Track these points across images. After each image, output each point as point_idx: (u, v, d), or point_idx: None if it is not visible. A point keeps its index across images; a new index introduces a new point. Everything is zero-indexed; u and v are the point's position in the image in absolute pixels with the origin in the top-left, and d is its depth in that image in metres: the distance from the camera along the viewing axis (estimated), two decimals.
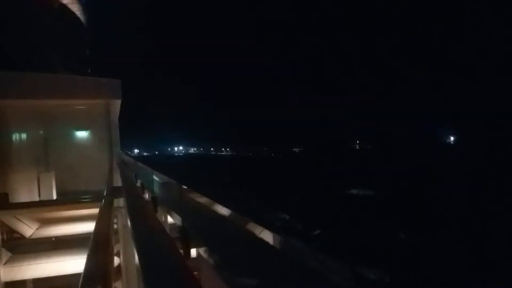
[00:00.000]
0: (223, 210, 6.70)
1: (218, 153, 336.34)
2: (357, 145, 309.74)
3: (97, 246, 4.34)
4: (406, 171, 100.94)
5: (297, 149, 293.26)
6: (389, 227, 43.88)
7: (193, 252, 4.45)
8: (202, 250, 4.38)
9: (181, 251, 4.03)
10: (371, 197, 67.45)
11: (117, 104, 20.15)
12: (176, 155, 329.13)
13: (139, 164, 19.87)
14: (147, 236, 3.79)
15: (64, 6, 51.90)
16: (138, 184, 9.87)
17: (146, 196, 8.35)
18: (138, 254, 3.03)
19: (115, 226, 12.05)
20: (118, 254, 12.55)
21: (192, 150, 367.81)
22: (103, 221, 6.08)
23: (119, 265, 12.26)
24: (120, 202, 9.93)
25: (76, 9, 57.19)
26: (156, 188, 11.28)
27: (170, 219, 6.01)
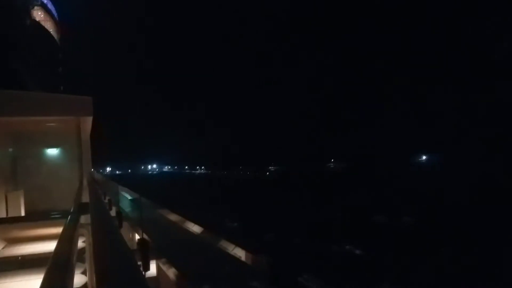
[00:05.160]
0: (186, 224, 6.83)
1: (193, 171, 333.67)
2: (332, 164, 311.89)
3: (56, 266, 4.25)
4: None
5: (272, 168, 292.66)
6: None
7: (153, 263, 4.55)
8: (161, 262, 4.50)
9: (140, 263, 4.14)
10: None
11: (88, 121, 20.01)
12: (150, 173, 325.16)
13: (108, 181, 19.73)
14: (108, 251, 3.85)
15: (38, 24, 51.46)
16: (106, 200, 9.89)
17: (113, 212, 8.40)
18: (96, 270, 3.10)
19: (83, 243, 11.95)
20: (85, 273, 12.42)
21: (166, 168, 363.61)
22: (65, 239, 6.00)
23: (85, 284, 12.12)
24: (87, 219, 9.90)
25: (49, 26, 56.78)
26: (123, 204, 11.29)
27: (133, 233, 6.10)
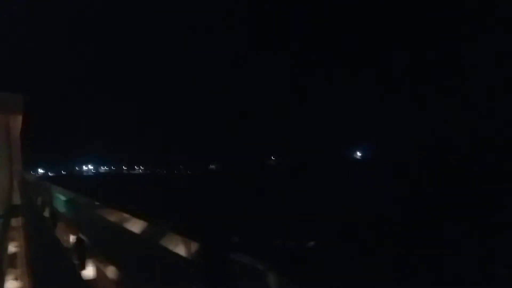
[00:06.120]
0: (127, 221, 6.72)
1: (131, 171, 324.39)
2: (272, 161, 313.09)
3: None
4: None
5: (213, 166, 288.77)
6: None
7: (91, 264, 4.45)
8: (99, 261, 4.42)
9: (77, 262, 4.04)
10: None
11: (18, 120, 19.08)
12: (85, 175, 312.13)
13: (41, 182, 18.96)
14: (42, 253, 3.72)
15: None
16: (39, 202, 9.50)
17: (47, 213, 8.09)
18: (30, 274, 3.00)
19: (15, 248, 11.37)
20: (18, 278, 11.84)
21: (103, 169, 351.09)
22: None
23: None
24: (19, 221, 9.45)
25: None
26: (58, 204, 10.88)
27: (69, 234, 5.93)
